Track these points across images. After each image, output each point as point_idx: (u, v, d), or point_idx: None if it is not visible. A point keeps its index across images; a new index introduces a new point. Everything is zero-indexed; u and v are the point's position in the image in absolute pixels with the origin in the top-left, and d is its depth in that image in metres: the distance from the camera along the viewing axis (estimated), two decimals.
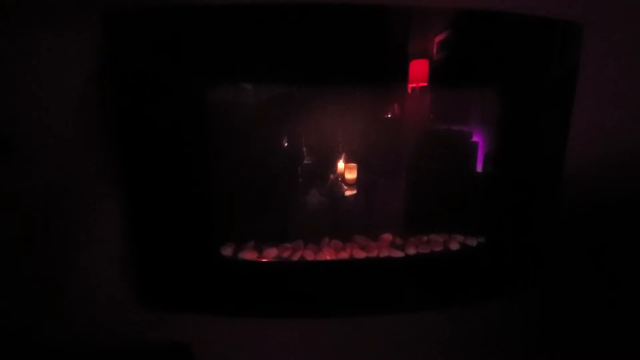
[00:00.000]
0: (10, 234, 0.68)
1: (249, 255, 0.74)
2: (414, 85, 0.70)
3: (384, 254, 0.75)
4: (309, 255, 0.74)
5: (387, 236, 0.80)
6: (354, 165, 0.84)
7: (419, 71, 0.68)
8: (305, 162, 0.81)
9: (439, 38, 0.66)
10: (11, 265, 0.69)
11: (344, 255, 0.75)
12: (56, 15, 0.59)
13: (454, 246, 0.78)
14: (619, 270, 0.83)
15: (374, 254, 0.75)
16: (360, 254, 0.75)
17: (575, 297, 0.85)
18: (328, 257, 0.74)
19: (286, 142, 0.79)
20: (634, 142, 0.78)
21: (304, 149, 0.81)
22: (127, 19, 0.60)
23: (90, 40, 0.60)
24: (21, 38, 0.60)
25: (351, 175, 0.85)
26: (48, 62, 0.61)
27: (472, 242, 0.79)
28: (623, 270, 0.83)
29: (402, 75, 0.67)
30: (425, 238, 0.80)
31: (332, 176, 0.84)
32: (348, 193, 0.85)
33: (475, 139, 0.81)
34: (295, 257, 0.74)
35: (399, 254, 0.75)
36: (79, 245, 0.69)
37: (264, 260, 0.73)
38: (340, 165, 0.84)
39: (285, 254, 0.74)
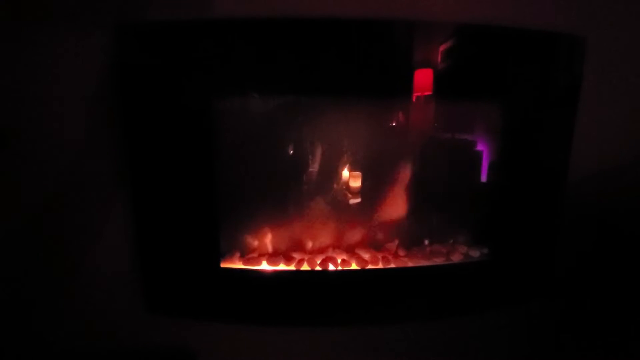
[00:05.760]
0: (17, 237, 0.69)
1: (253, 263, 0.75)
2: (419, 94, 0.70)
3: (388, 264, 0.76)
4: (312, 265, 0.75)
5: (391, 246, 0.81)
6: (358, 173, 0.85)
7: (423, 83, 0.68)
8: (310, 169, 0.82)
9: (443, 49, 0.67)
10: (19, 268, 0.71)
11: (347, 265, 0.76)
12: (72, 22, 0.61)
13: (457, 257, 0.78)
14: (624, 279, 0.82)
15: (377, 264, 0.75)
16: (364, 264, 0.75)
17: (579, 306, 0.84)
18: (331, 267, 0.75)
19: (291, 150, 0.80)
20: (637, 153, 0.77)
21: (309, 157, 0.81)
22: (137, 32, 0.62)
23: (102, 47, 0.62)
24: (34, 41, 0.62)
25: (356, 183, 0.85)
26: (60, 66, 0.63)
27: (475, 252, 0.79)
28: (628, 279, 0.82)
29: (407, 85, 0.68)
30: (428, 248, 0.81)
31: (336, 185, 0.85)
32: (352, 201, 0.86)
33: (479, 147, 0.81)
34: (299, 267, 0.75)
35: (402, 264, 0.76)
36: (87, 249, 0.71)
37: (268, 269, 0.74)
38: (345, 173, 0.85)
39: (289, 263, 0.75)
